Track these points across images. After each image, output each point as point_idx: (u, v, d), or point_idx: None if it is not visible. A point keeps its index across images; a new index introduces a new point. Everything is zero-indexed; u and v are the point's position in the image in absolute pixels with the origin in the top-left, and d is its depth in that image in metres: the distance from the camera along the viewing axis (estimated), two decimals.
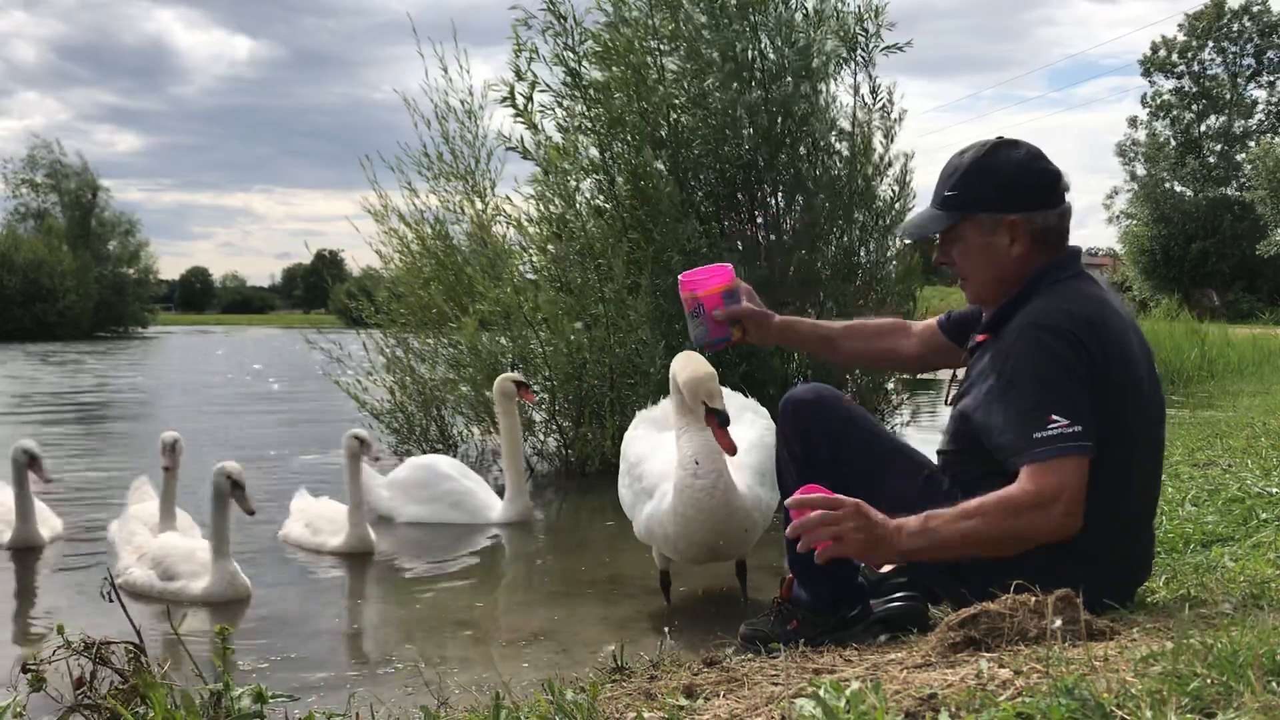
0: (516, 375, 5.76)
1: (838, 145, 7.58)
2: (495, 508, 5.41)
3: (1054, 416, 2.17)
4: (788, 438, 2.69)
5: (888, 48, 7.50)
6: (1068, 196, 2.50)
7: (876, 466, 2.54)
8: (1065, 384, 2.21)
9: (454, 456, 6.57)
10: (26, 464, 4.49)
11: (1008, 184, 2.44)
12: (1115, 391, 2.26)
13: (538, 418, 7.18)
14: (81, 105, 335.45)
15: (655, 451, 3.80)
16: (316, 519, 4.84)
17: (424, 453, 7.17)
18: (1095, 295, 2.39)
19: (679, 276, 2.93)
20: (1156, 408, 2.41)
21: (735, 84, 7.05)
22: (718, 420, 3.30)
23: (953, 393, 2.59)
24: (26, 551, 4.62)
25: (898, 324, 2.92)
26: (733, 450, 3.29)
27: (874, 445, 2.59)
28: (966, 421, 2.44)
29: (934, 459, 2.60)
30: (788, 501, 2.26)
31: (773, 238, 7.48)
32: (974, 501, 2.19)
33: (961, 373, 2.60)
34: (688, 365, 3.46)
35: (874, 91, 7.57)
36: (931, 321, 2.87)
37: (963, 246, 2.51)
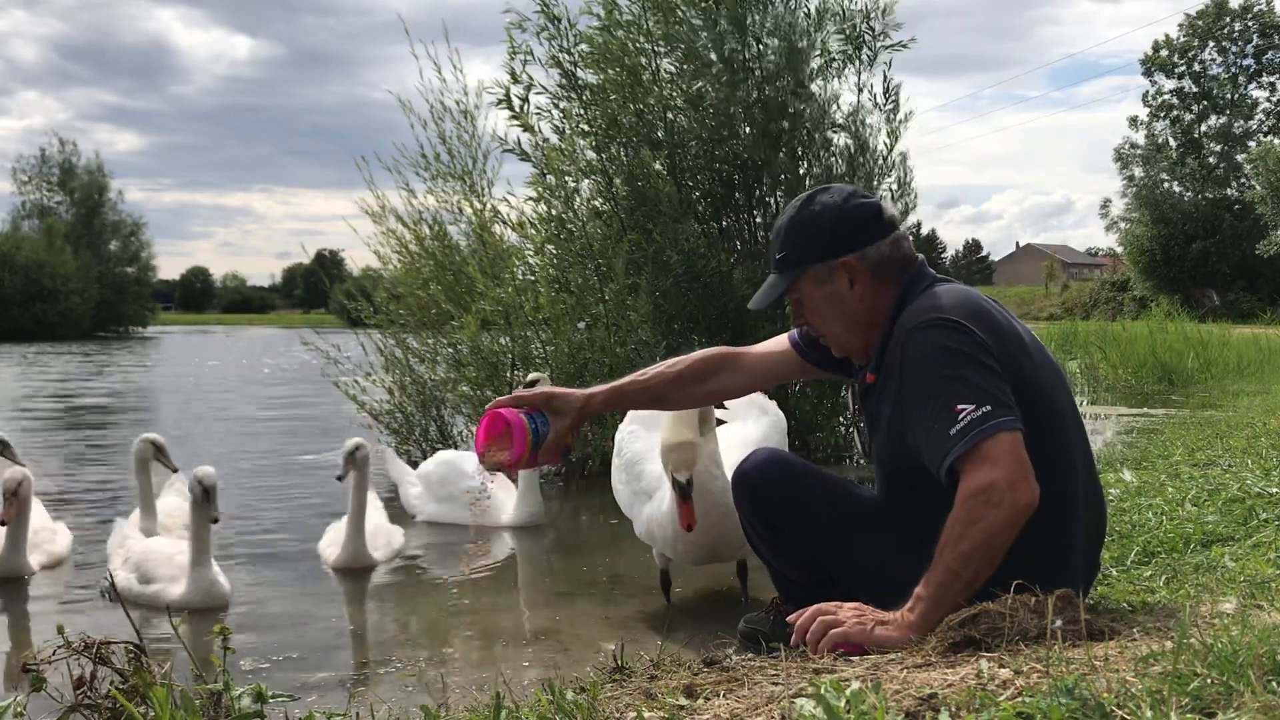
0: (539, 374, 5.70)
1: (839, 143, 7.57)
2: (508, 510, 5.40)
3: (960, 406, 2.12)
4: (750, 518, 2.65)
5: (889, 46, 7.49)
6: (900, 222, 2.48)
7: (849, 534, 2.48)
8: (959, 370, 2.17)
9: None
10: (13, 493, 4.14)
11: (831, 229, 2.43)
12: (1008, 363, 2.23)
13: None
14: (81, 105, 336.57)
15: (654, 451, 3.79)
16: (339, 532, 4.53)
17: (424, 453, 7.17)
18: (958, 289, 2.39)
19: (490, 462, 2.50)
20: (1047, 375, 2.36)
21: (730, 84, 7.04)
22: (679, 492, 3.19)
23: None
24: (15, 580, 4.23)
25: (722, 358, 2.76)
26: (689, 527, 3.17)
27: (838, 512, 2.51)
28: (891, 458, 2.41)
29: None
30: (794, 642, 2.17)
31: (766, 233, 7.47)
32: (943, 538, 2.11)
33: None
34: (668, 428, 3.36)
35: (886, 91, 7.55)
36: (779, 345, 2.75)
37: (809, 304, 2.48)
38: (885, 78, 7.52)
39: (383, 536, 4.62)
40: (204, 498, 3.79)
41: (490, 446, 2.48)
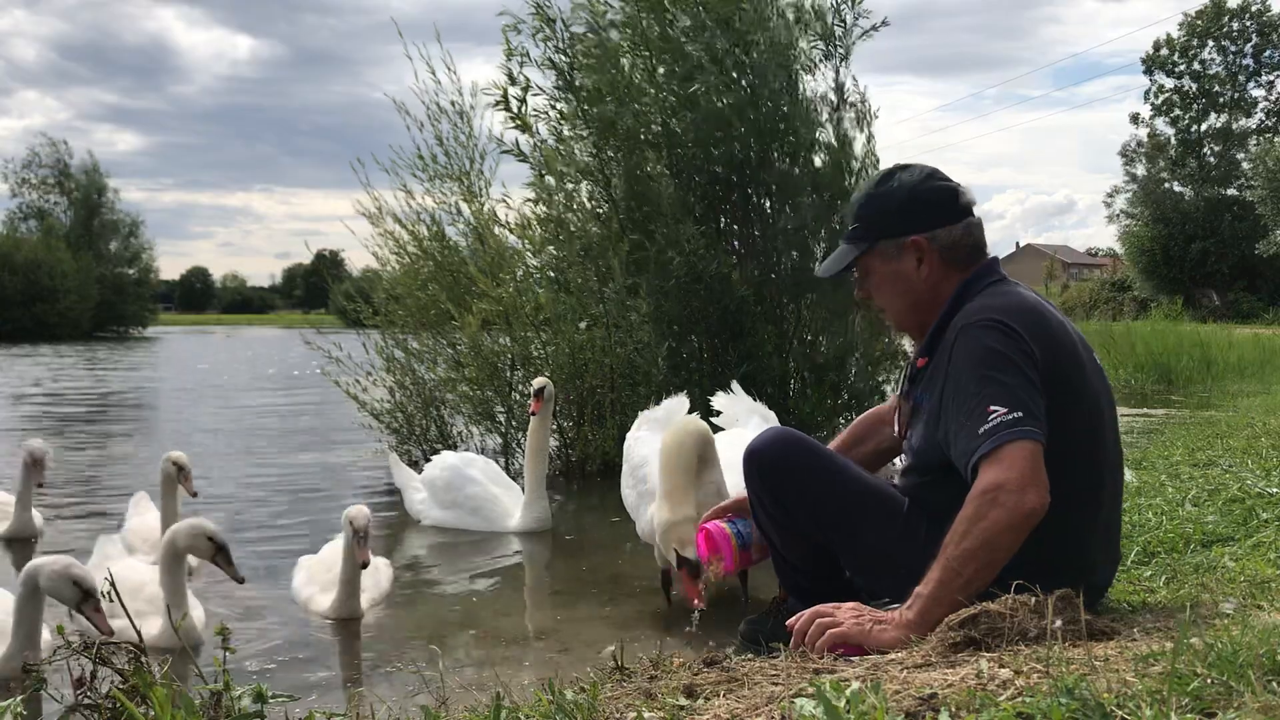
0: (545, 380, 5.63)
1: (821, 142, 7.56)
2: (515, 516, 5.34)
3: (992, 408, 2.15)
4: (758, 495, 2.66)
5: (865, 33, 7.50)
6: (975, 209, 2.49)
7: (856, 517, 2.50)
8: (1001, 374, 2.20)
9: None
10: (32, 463, 4.76)
11: (904, 206, 2.45)
12: (1056, 373, 2.25)
13: None
14: (81, 104, 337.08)
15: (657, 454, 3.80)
16: (318, 571, 4.11)
17: (424, 453, 7.16)
18: (1021, 293, 2.41)
19: (714, 573, 2.95)
20: (1096, 388, 2.39)
21: (720, 85, 7.03)
22: (687, 570, 3.09)
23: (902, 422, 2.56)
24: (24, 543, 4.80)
25: (871, 419, 2.88)
26: (696, 603, 3.06)
27: (846, 494, 2.52)
28: (924, 448, 2.42)
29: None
30: (793, 645, 2.16)
31: (762, 233, 7.47)
32: (947, 536, 2.13)
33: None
34: (662, 490, 3.26)
35: (839, 89, 7.56)
36: (893, 399, 2.81)
37: (874, 278, 2.53)
38: (838, 72, 7.54)
39: (369, 578, 4.08)
40: (217, 555, 3.43)
41: (711, 559, 2.93)
